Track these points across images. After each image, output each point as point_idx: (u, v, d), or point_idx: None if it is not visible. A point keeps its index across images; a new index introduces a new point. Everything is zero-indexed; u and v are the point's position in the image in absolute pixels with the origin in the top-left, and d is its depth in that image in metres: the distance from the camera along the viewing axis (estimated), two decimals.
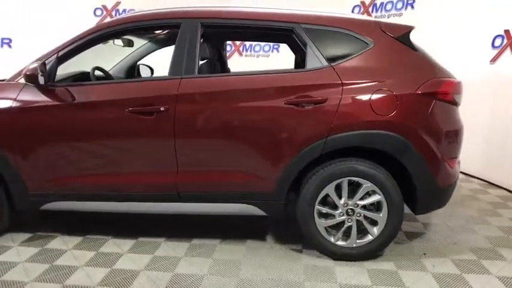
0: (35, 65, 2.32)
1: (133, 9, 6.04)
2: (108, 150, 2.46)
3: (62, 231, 2.82)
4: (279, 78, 2.41)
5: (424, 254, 2.59)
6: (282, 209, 2.49)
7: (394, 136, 2.29)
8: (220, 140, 2.41)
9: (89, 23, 5.09)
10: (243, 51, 6.91)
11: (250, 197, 2.47)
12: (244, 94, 2.38)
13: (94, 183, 2.50)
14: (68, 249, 2.59)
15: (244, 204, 2.49)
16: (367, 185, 2.37)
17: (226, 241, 2.72)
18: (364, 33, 2.44)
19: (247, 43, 6.85)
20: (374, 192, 2.39)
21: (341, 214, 2.42)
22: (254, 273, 2.32)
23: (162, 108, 2.35)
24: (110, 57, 3.77)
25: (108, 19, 4.94)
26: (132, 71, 3.64)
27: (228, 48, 6.95)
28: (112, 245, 2.63)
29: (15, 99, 2.44)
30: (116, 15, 6.37)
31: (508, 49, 3.86)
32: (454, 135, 2.41)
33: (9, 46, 6.35)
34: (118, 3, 6.44)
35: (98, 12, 6.44)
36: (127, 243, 2.66)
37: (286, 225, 2.94)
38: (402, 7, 5.25)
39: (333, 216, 2.44)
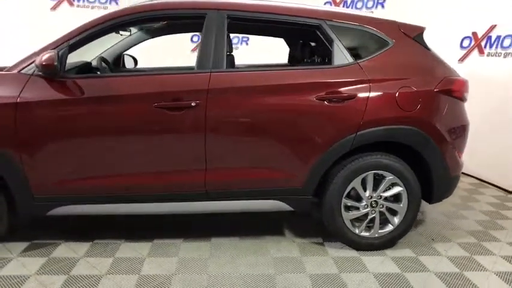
0: (51, 53, 2.06)
1: None
2: (130, 149, 2.27)
3: (61, 238, 2.57)
4: (309, 74, 2.42)
5: (432, 239, 2.79)
6: (309, 204, 2.52)
7: (417, 131, 2.42)
8: (251, 136, 2.35)
9: None
10: None
11: (280, 193, 2.46)
12: (276, 89, 2.34)
13: (114, 184, 2.30)
14: (79, 256, 2.37)
15: (273, 201, 2.47)
16: (389, 178, 2.48)
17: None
18: (385, 32, 2.53)
19: None
20: (395, 184, 2.51)
21: (365, 206, 2.52)
22: (291, 267, 2.33)
23: (193, 104, 2.23)
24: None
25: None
26: (118, 61, 3.40)
27: (196, 39, 6.78)
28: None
29: (20, 93, 2.15)
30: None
31: (476, 50, 4.25)
32: (463, 130, 2.62)
33: None
34: None
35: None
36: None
37: (299, 219, 2.98)
38: (373, 6, 5.50)
39: (358, 208, 2.52)
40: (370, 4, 5.55)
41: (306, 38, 2.71)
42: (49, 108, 2.17)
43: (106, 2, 6.02)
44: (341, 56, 2.44)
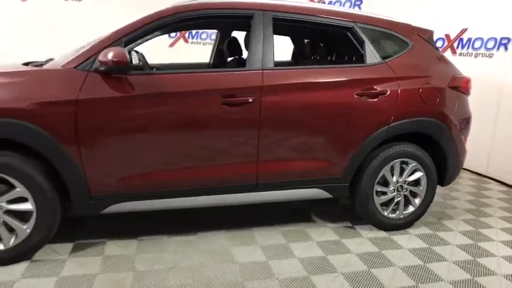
0: (121, 50, 2.05)
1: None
2: (191, 143, 2.32)
3: (101, 235, 2.54)
4: (347, 72, 2.63)
5: (440, 218, 3.17)
6: (347, 191, 2.75)
7: (437, 122, 2.76)
8: (299, 129, 2.52)
9: None
10: (188, 38, 6.72)
11: (322, 181, 2.65)
12: (321, 86, 2.53)
13: (173, 178, 2.33)
14: (132, 254, 2.37)
15: (315, 189, 2.67)
16: (412, 164, 2.80)
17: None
18: (405, 34, 2.84)
19: (193, 30, 6.68)
20: (417, 170, 2.83)
21: (393, 191, 2.81)
22: (333, 248, 2.55)
23: (250, 100, 2.34)
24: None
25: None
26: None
27: (173, 34, 6.70)
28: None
29: (80, 89, 2.10)
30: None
31: (449, 50, 4.78)
32: (468, 121, 3.01)
33: None
34: None
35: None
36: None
37: (320, 207, 3.22)
38: (350, 6, 5.87)
39: (386, 193, 2.81)
40: (347, 5, 5.92)
41: (336, 38, 2.91)
42: (110, 105, 2.15)
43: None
44: (372, 55, 2.70)
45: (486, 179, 4.34)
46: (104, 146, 2.17)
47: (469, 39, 4.51)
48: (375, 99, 2.61)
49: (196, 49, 6.64)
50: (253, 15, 2.48)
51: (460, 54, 4.61)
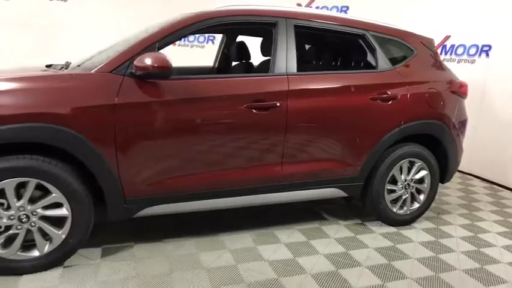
0: (162, 55, 2.08)
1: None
2: (222, 146, 2.38)
3: (125, 239, 2.55)
4: (363, 77, 2.79)
5: (438, 213, 3.41)
6: (360, 190, 2.91)
7: (440, 124, 2.99)
8: (320, 131, 2.64)
9: None
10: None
11: (339, 181, 2.79)
12: (340, 90, 2.67)
13: (203, 181, 2.38)
14: (162, 255, 2.40)
15: (332, 188, 2.80)
16: (419, 164, 3.01)
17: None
18: (412, 42, 3.04)
19: None
20: (422, 169, 3.04)
21: (401, 188, 3.00)
22: (347, 243, 2.70)
23: (277, 104, 2.44)
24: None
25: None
26: None
27: None
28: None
29: (118, 94, 2.11)
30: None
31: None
32: (465, 122, 3.26)
33: None
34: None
35: None
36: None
37: (328, 206, 3.37)
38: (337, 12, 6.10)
39: (395, 191, 2.99)
40: (334, 11, 6.14)
41: (349, 45, 3.06)
42: (145, 109, 2.17)
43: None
44: (383, 62, 2.88)
45: (469, 176, 4.67)
46: (139, 150, 2.19)
47: (452, 46, 4.84)
48: (387, 103, 2.79)
49: (184, 52, 6.62)
50: (277, 23, 2.58)
51: (444, 60, 4.91)
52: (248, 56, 3.39)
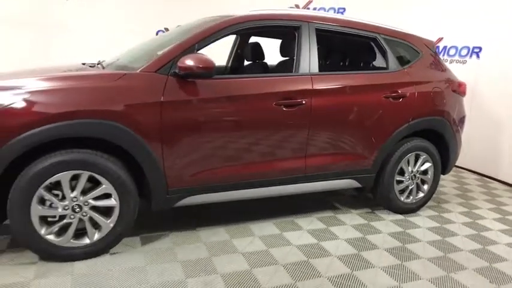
0: (206, 56, 2.26)
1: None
2: (254, 141, 2.58)
3: (160, 229, 2.72)
4: (377, 77, 3.04)
5: (438, 202, 3.71)
6: (373, 181, 3.16)
7: (443, 120, 3.27)
8: (339, 126, 2.87)
9: None
10: None
11: (355, 172, 3.04)
12: (357, 89, 2.91)
13: (237, 173, 2.58)
14: (201, 242, 2.59)
15: (348, 179, 3.05)
16: (424, 156, 3.29)
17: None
18: (418, 45, 3.31)
19: None
20: (426, 161, 3.32)
21: (408, 179, 3.28)
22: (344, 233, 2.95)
23: (303, 102, 2.66)
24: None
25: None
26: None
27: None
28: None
29: (163, 92, 2.28)
30: None
31: None
32: (464, 119, 3.57)
33: None
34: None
35: None
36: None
37: (334, 197, 3.62)
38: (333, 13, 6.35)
39: (402, 181, 3.26)
40: (331, 12, 6.39)
41: (363, 47, 3.31)
42: (187, 106, 2.35)
43: None
44: (393, 63, 3.13)
45: (460, 169, 5.02)
46: (182, 144, 2.36)
47: (445, 47, 5.17)
48: (398, 101, 3.05)
49: None
50: (300, 26, 2.79)
51: None
52: (263, 56, 3.59)
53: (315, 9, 6.52)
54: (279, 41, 3.21)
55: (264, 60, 3.65)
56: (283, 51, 3.13)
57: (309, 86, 2.71)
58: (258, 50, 3.54)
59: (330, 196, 3.63)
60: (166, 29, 6.03)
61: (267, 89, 2.59)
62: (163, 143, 2.31)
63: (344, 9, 6.30)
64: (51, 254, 2.21)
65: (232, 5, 6.45)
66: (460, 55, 4.97)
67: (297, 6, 6.60)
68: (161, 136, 2.29)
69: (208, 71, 2.27)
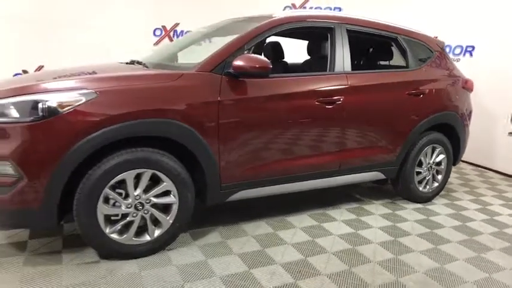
0: (263, 57, 2.35)
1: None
2: (300, 136, 2.70)
3: (205, 225, 2.79)
4: (400, 75, 3.24)
5: (447, 191, 3.98)
6: (396, 173, 3.36)
7: (455, 114, 3.53)
8: (370, 123, 3.04)
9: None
10: (174, 36, 6.77)
11: (382, 165, 3.23)
12: (385, 86, 3.10)
13: (283, 167, 2.69)
14: (250, 234, 2.68)
15: (375, 172, 3.23)
16: (439, 149, 3.53)
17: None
18: (431, 45, 3.54)
19: (179, 29, 6.77)
20: (440, 153, 3.57)
21: (426, 170, 3.51)
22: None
23: (341, 99, 2.81)
24: None
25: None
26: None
27: (158, 32, 6.72)
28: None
29: (220, 91, 2.35)
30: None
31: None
32: (471, 114, 3.84)
33: None
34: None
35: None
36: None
37: (353, 189, 3.81)
38: None
39: (421, 172, 3.49)
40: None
41: (385, 47, 3.49)
42: (241, 105, 2.43)
43: None
44: (412, 61, 3.34)
45: None
46: (235, 140, 2.45)
47: None
48: (419, 97, 3.26)
49: None
50: (334, 28, 2.93)
51: None
52: (283, 55, 3.70)
53: (311, 8, 6.70)
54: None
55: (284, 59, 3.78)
56: (314, 50, 3.26)
57: (345, 84, 2.86)
58: (278, 49, 3.66)
59: (349, 189, 3.81)
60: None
61: (310, 87, 2.72)
62: (219, 140, 2.38)
63: (340, 8, 6.51)
64: (115, 252, 2.24)
65: (230, 4, 6.55)
66: (453, 53, 5.30)
67: (294, 6, 6.77)
68: (218, 133, 2.37)
69: (266, 70, 2.36)
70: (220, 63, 2.41)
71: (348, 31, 3.02)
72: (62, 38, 5.65)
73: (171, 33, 6.77)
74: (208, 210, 2.93)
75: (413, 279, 2.28)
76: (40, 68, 5.59)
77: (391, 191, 3.73)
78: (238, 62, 2.35)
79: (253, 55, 2.40)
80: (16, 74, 5.41)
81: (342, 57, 2.92)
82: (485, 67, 4.94)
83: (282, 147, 2.66)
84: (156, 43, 6.75)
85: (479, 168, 5.03)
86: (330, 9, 6.58)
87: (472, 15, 5.04)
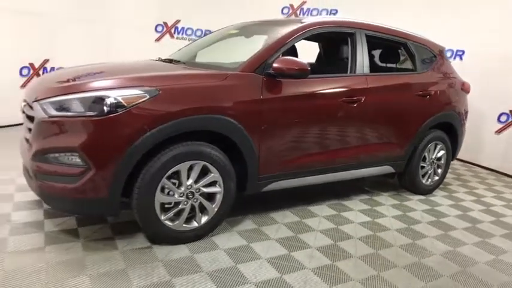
0: (301, 60, 2.57)
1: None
2: (328, 132, 2.97)
3: (238, 214, 2.99)
4: (410, 77, 3.55)
5: (444, 184, 4.35)
6: (403, 167, 3.67)
7: (455, 114, 3.88)
8: (385, 120, 3.34)
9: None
10: (174, 33, 6.88)
11: (392, 160, 3.53)
12: (399, 88, 3.41)
13: (313, 160, 2.94)
14: (281, 222, 2.91)
15: (387, 166, 3.53)
16: (440, 145, 3.88)
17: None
18: (434, 50, 3.88)
19: (180, 25, 6.87)
20: (441, 149, 3.92)
21: (428, 165, 3.85)
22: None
23: (362, 99, 3.08)
24: None
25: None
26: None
27: (160, 28, 6.81)
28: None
29: (262, 90, 2.56)
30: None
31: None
32: (467, 113, 4.21)
33: None
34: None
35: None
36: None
37: (358, 183, 4.12)
38: (327, 14, 6.83)
39: (424, 167, 3.83)
40: (324, 13, 6.86)
41: (396, 51, 3.79)
42: (279, 102, 2.66)
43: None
44: (420, 65, 3.66)
45: None
46: (273, 135, 2.67)
47: None
48: (426, 98, 3.58)
49: (181, 44, 6.83)
50: (355, 33, 3.20)
51: None
52: (297, 56, 3.93)
53: (308, 9, 6.96)
54: None
55: None
56: (334, 53, 3.53)
57: (365, 85, 3.13)
58: (294, 50, 3.89)
59: (358, 182, 4.10)
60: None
61: (338, 88, 2.98)
62: (260, 135, 2.60)
63: (336, 10, 6.80)
64: (168, 238, 2.42)
65: (230, 3, 6.71)
66: None
67: (292, 7, 7.01)
68: (259, 129, 2.58)
69: (305, 72, 2.59)
70: (261, 65, 2.62)
71: (367, 36, 3.29)
72: (66, 32, 5.67)
73: (172, 30, 6.88)
74: (238, 200, 3.14)
75: (433, 260, 2.58)
76: (45, 61, 5.59)
77: (394, 184, 4.05)
78: (278, 65, 2.57)
79: (292, 58, 2.62)
80: (23, 67, 5.40)
81: (362, 60, 3.19)
82: (474, 70, 5.33)
83: (312, 142, 2.91)
84: (158, 39, 6.86)
85: (467, 164, 5.46)
86: (327, 11, 6.88)
87: (463, 21, 5.44)
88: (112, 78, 2.30)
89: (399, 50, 3.69)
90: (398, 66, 3.78)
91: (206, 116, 2.35)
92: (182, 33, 6.92)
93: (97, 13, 6.02)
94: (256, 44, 2.85)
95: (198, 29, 6.94)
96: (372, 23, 3.41)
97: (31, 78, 5.50)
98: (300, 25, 2.89)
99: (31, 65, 5.49)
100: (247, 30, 3.47)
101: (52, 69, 5.73)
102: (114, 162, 2.14)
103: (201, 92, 2.36)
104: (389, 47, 3.71)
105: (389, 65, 3.84)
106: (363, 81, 3.14)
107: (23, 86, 5.42)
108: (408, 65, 3.72)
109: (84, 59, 5.93)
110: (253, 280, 2.15)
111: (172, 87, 2.28)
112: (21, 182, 3.22)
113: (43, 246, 2.30)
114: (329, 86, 2.95)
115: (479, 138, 5.37)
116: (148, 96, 2.18)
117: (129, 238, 2.49)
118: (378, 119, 3.28)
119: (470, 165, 5.44)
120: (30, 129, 2.32)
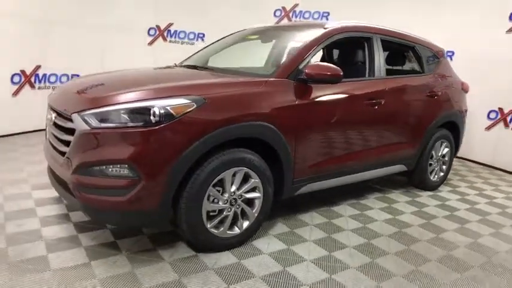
0: (333, 66, 2.64)
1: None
2: (355, 134, 3.08)
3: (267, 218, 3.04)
4: (421, 79, 3.72)
5: (447, 180, 4.57)
6: (414, 165, 3.83)
7: (458, 113, 4.10)
8: (401, 121, 3.50)
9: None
10: (167, 36, 6.81)
11: (405, 158, 3.69)
12: (412, 89, 3.58)
13: (341, 162, 3.04)
14: (311, 224, 2.98)
15: (400, 165, 3.68)
16: (445, 143, 4.08)
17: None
18: (437, 52, 4.07)
19: (172, 28, 6.80)
20: (445, 147, 4.12)
21: (435, 162, 4.04)
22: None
23: (382, 101, 3.20)
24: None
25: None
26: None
27: (152, 32, 6.72)
28: None
29: (295, 95, 2.62)
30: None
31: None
32: (467, 111, 4.43)
33: None
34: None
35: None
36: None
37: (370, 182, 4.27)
38: (318, 17, 6.96)
39: (432, 164, 4.02)
40: (316, 16, 6.99)
41: (405, 54, 3.95)
42: (312, 107, 2.73)
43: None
44: (426, 67, 3.84)
45: None
46: (307, 139, 2.74)
47: None
48: (434, 98, 3.76)
49: (174, 48, 6.79)
50: (372, 37, 3.31)
51: None
52: None
53: (300, 12, 7.07)
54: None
55: None
56: (353, 57, 3.63)
57: (384, 87, 3.26)
58: None
59: (367, 181, 4.22)
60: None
61: (364, 91, 3.10)
62: (296, 140, 2.66)
63: (328, 13, 6.94)
64: (214, 245, 2.43)
65: (223, 6, 6.71)
66: None
67: (284, 9, 7.10)
68: (295, 134, 2.64)
69: (338, 77, 2.67)
70: (293, 71, 2.68)
71: (381, 41, 3.42)
72: (57, 37, 5.50)
73: (165, 33, 6.80)
74: None
75: (460, 252, 2.74)
76: (37, 67, 5.40)
77: (401, 181, 4.21)
78: (311, 70, 2.63)
79: (324, 64, 2.69)
80: (14, 74, 5.19)
81: (380, 64, 3.31)
82: (463, 70, 5.59)
83: (340, 144, 3.00)
84: (151, 43, 6.76)
85: (460, 160, 5.74)
86: (319, 13, 7.01)
87: (453, 24, 5.71)
88: (155, 87, 2.29)
89: (408, 53, 3.85)
90: (406, 68, 3.94)
91: (249, 123, 2.38)
92: (175, 37, 6.85)
93: (89, 17, 5.86)
94: (277, 49, 2.89)
95: (190, 32, 6.89)
96: (386, 28, 3.55)
97: (23, 86, 5.30)
98: (325, 31, 2.97)
99: (22, 72, 5.28)
100: (265, 34, 3.51)
101: (44, 75, 5.55)
102: (165, 173, 2.13)
103: (244, 100, 2.39)
104: (400, 50, 3.85)
105: (398, 68, 4.00)
106: (382, 84, 3.26)
107: (15, 93, 5.22)
108: (416, 67, 3.88)
109: (76, 64, 5.80)
110: (307, 282, 2.21)
111: (217, 96, 2.30)
112: (38, 196, 3.16)
113: (88, 261, 2.26)
114: (354, 90, 3.05)
115: (470, 135, 5.64)
116: (195, 105, 2.19)
117: (171, 248, 2.48)
118: (395, 120, 3.42)
119: (463, 160, 5.73)
120: (58, 139, 2.30)
